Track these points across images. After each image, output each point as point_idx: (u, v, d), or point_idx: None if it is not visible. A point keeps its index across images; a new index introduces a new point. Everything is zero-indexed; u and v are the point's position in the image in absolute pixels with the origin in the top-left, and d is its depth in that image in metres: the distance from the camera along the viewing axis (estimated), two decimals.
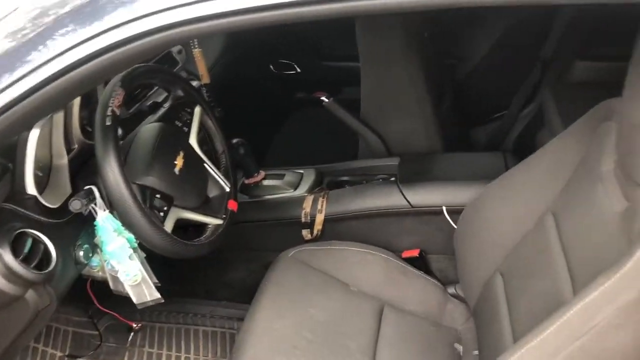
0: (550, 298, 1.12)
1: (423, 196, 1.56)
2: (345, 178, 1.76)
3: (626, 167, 1.00)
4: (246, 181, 1.71)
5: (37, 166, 1.12)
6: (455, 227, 1.49)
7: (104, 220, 1.19)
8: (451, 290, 1.55)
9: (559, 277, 1.11)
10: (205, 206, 1.39)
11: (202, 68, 1.79)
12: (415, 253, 1.59)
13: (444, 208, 1.53)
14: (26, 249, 1.08)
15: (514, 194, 1.35)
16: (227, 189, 1.45)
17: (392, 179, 1.66)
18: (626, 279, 0.85)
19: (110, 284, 1.30)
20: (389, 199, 1.58)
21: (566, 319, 0.88)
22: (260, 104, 2.29)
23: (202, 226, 1.39)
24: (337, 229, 1.61)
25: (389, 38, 1.61)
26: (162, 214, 1.23)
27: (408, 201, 1.56)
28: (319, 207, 1.61)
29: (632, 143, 0.96)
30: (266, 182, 1.69)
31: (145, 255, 1.29)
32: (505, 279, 1.32)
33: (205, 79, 1.80)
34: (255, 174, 1.69)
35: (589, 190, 1.11)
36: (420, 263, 1.59)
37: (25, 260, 1.06)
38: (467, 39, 2.14)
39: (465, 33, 2.13)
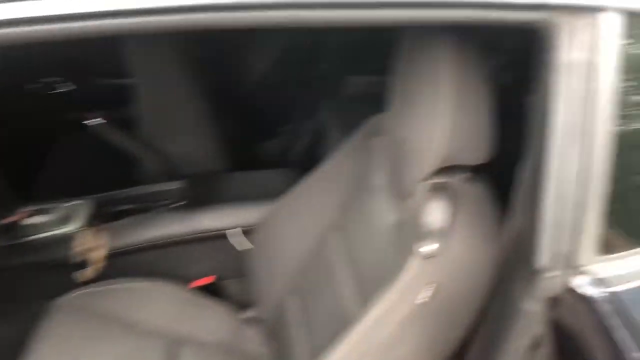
0: (341, 316, 1.13)
1: (213, 220, 1.49)
2: (126, 207, 1.61)
3: (394, 180, 1.05)
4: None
5: None
6: (249, 248, 1.44)
7: None
8: (249, 314, 1.50)
9: (348, 294, 1.12)
10: None
11: None
12: (208, 280, 1.51)
13: (236, 230, 1.48)
14: None
15: (299, 211, 1.35)
16: None
17: (178, 203, 1.56)
18: (401, 293, 0.88)
19: None
20: (176, 226, 1.48)
21: (355, 338, 0.88)
22: (18, 129, 2.00)
23: None
24: (120, 265, 1.47)
25: (162, 55, 1.52)
26: None
27: (197, 227, 1.47)
28: (97, 242, 1.45)
29: (398, 157, 1.01)
30: (30, 221, 1.47)
31: None
32: (298, 298, 1.31)
33: None
34: (14, 213, 1.46)
35: (365, 205, 1.15)
36: (214, 290, 1.52)
37: None
38: (244, 58, 2.13)
39: (242, 53, 2.12)
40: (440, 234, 0.87)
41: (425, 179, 0.95)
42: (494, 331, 0.78)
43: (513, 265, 0.76)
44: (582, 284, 0.69)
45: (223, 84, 1.94)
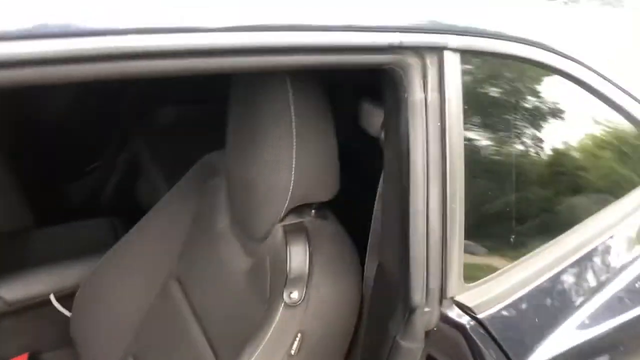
0: None
1: (22, 288, 1.28)
2: None
3: (243, 224, 0.99)
4: None
5: None
6: (69, 315, 1.26)
7: None
8: None
9: (198, 348, 1.04)
10: None
11: None
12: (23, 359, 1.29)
13: (52, 296, 1.29)
14: None
15: (131, 265, 1.22)
16: None
17: None
18: (272, 343, 0.83)
19: None
20: None
21: None
22: None
23: None
24: None
25: None
26: None
27: (3, 298, 1.25)
28: None
29: (245, 201, 0.96)
30: None
31: None
32: None
33: None
34: None
35: (210, 251, 1.08)
36: None
37: None
38: (40, 94, 1.90)
39: (36, 89, 1.89)
40: (302, 280, 0.84)
41: (279, 221, 0.91)
42: None
43: (387, 302, 0.76)
44: (453, 315, 0.71)
45: (17, 125, 1.69)
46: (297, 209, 0.93)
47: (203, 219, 1.13)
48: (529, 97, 0.78)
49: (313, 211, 0.95)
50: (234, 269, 1.02)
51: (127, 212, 1.71)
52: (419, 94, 0.67)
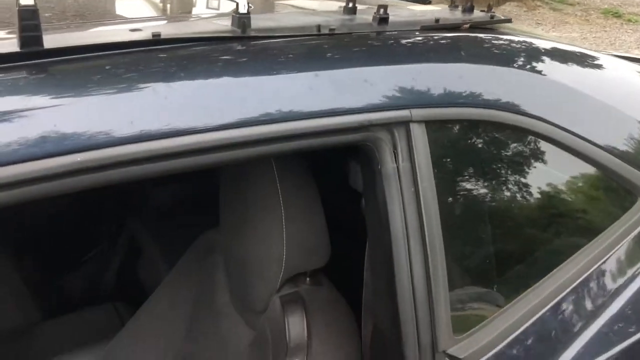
0: None
1: None
2: None
3: (242, 298, 1.03)
4: None
5: None
6: None
7: None
8: None
9: None
10: None
11: None
12: None
13: None
14: None
15: (140, 348, 1.24)
16: None
17: None
18: None
19: None
20: None
21: None
22: None
23: None
24: None
25: None
26: None
27: None
28: None
29: (241, 275, 1.00)
30: None
31: None
32: None
33: None
34: None
35: (214, 327, 1.11)
36: None
37: None
38: None
39: None
40: (302, 349, 0.87)
41: (277, 292, 0.95)
42: None
43: (384, 358, 0.80)
44: None
45: (18, 222, 1.74)
46: (293, 278, 0.97)
47: (205, 297, 1.16)
48: (493, 154, 0.84)
49: (308, 279, 0.99)
50: (237, 343, 1.05)
51: (129, 294, 1.73)
52: (390, 165, 0.74)
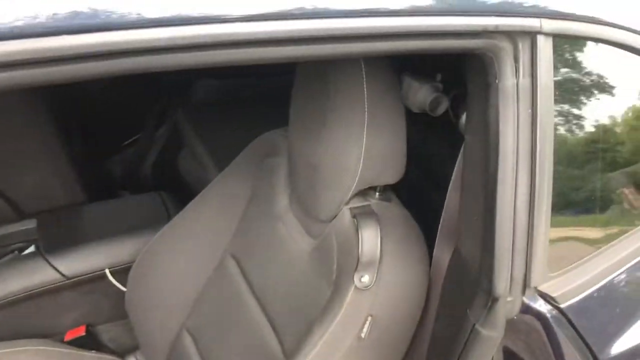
0: (255, 351, 1.05)
1: (79, 263, 1.30)
2: None
3: (306, 205, 0.99)
4: None
5: None
6: (124, 289, 1.28)
7: None
8: (132, 359, 1.35)
9: (259, 327, 1.05)
10: None
11: None
12: (80, 331, 1.32)
13: (107, 271, 1.31)
14: None
15: (186, 242, 1.23)
16: None
17: (32, 247, 1.34)
18: (342, 325, 0.84)
19: None
20: (35, 275, 1.26)
21: None
22: None
23: None
24: None
25: None
26: None
27: (61, 272, 1.27)
28: None
29: (310, 182, 0.95)
30: None
31: None
32: (195, 336, 1.20)
33: None
34: None
35: (270, 231, 1.08)
36: (88, 340, 1.33)
37: None
38: None
39: None
40: (373, 264, 0.84)
41: (345, 203, 0.91)
42: (449, 355, 0.77)
43: (465, 290, 0.75)
44: (536, 305, 0.70)
45: (62, 100, 1.70)
46: (362, 192, 0.92)
47: (261, 198, 1.12)
48: (621, 83, 0.75)
49: (377, 194, 0.94)
50: (294, 249, 1.02)
51: (168, 185, 1.72)
52: (510, 80, 0.65)
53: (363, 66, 0.82)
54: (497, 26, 0.63)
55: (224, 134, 1.74)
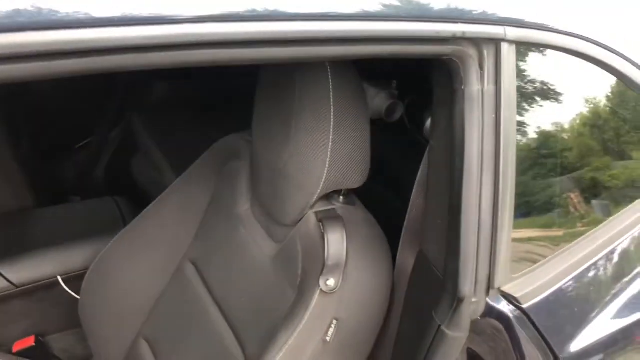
0: (216, 357, 1.03)
1: (28, 270, 1.26)
2: None
3: (269, 209, 0.98)
4: None
5: None
6: (77, 297, 1.24)
7: None
8: None
9: (219, 333, 1.03)
10: None
11: None
12: (30, 342, 1.27)
13: (60, 278, 1.26)
14: None
15: (143, 248, 1.20)
16: None
17: None
18: (307, 330, 0.83)
19: None
20: None
21: None
22: None
23: None
24: None
25: None
26: None
27: (9, 281, 1.22)
28: None
29: (274, 186, 0.94)
30: None
31: None
32: (152, 343, 1.17)
33: None
34: None
35: (230, 235, 1.06)
36: (38, 351, 1.28)
37: None
38: None
39: None
40: (339, 267, 0.84)
41: (311, 207, 0.91)
42: (415, 356, 0.78)
43: (430, 291, 0.77)
44: (499, 305, 0.72)
45: (13, 98, 1.63)
46: (327, 196, 0.92)
47: (221, 202, 1.11)
48: (579, 89, 0.78)
49: (341, 197, 0.94)
50: (257, 253, 1.01)
51: (121, 190, 1.68)
52: (476, 85, 0.67)
53: (329, 70, 0.82)
54: (464, 33, 0.64)
55: (179, 137, 1.71)
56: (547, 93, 0.77)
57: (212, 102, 1.87)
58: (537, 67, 0.75)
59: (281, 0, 0.57)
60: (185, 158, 1.20)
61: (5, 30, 0.44)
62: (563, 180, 0.80)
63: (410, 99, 1.38)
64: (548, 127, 0.78)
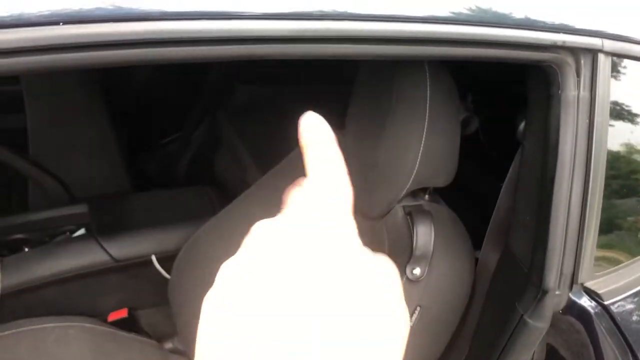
0: None
1: (128, 247, 1.37)
2: (20, 236, 1.40)
3: (357, 203, 1.04)
4: None
5: None
6: (167, 277, 1.34)
7: None
8: (169, 345, 1.40)
9: None
10: None
11: None
12: (123, 314, 1.38)
13: (154, 257, 1.37)
14: None
15: (232, 236, 1.27)
16: None
17: (82, 230, 1.40)
18: None
19: None
20: (88, 255, 1.33)
21: None
22: None
23: None
24: (22, 304, 1.28)
25: None
26: None
27: (111, 255, 1.34)
28: None
29: (364, 181, 1.01)
30: None
31: None
32: None
33: None
34: None
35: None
36: (129, 323, 1.39)
37: None
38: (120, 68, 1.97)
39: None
40: (425, 258, 0.89)
41: (398, 202, 0.97)
42: (495, 344, 0.82)
43: (514, 284, 0.81)
44: (581, 300, 0.76)
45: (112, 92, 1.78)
46: (413, 192, 0.98)
47: None
48: None
49: (427, 195, 1.00)
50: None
51: (202, 184, 1.79)
52: (572, 91, 0.72)
53: (427, 72, 0.89)
54: (564, 42, 0.70)
55: (263, 136, 1.81)
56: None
57: (294, 107, 1.95)
58: (632, 83, 0.79)
59: (398, 3, 0.63)
60: (268, 155, 1.28)
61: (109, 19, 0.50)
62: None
63: (485, 114, 1.42)
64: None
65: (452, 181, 0.98)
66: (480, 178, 1.52)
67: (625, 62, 0.77)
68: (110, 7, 0.50)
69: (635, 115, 0.82)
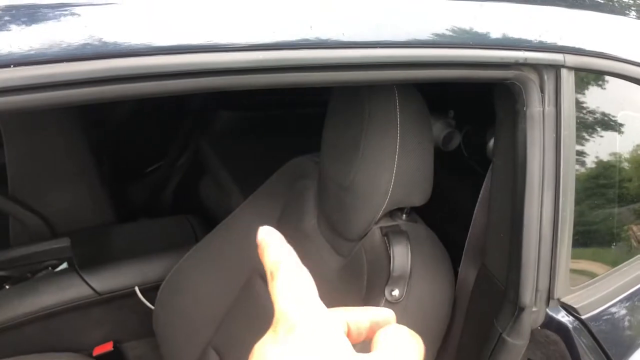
0: None
1: (110, 280, 1.36)
2: (2, 273, 1.39)
3: (335, 225, 1.04)
4: None
5: None
6: (152, 307, 1.33)
7: None
8: None
9: None
10: None
11: None
12: (108, 347, 1.37)
13: (137, 289, 1.36)
14: None
15: (215, 261, 1.28)
16: None
17: (64, 264, 1.39)
18: None
19: None
20: (69, 290, 1.32)
21: None
22: None
23: None
24: (6, 342, 1.26)
25: None
26: None
27: (93, 288, 1.33)
28: None
29: (340, 203, 1.01)
30: None
31: None
32: (221, 353, 1.24)
33: None
34: None
35: (298, 249, 1.12)
36: (115, 356, 1.37)
37: None
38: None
39: None
40: (403, 278, 0.89)
41: (375, 223, 0.97)
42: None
43: (492, 302, 0.81)
44: (558, 315, 0.76)
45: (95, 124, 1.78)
46: (390, 213, 0.98)
47: (290, 218, 1.18)
48: (632, 115, 0.82)
49: (404, 215, 1.00)
50: (323, 267, 1.07)
51: (188, 212, 1.78)
52: (537, 107, 0.73)
53: (397, 94, 0.89)
54: (526, 59, 0.70)
55: (246, 162, 1.81)
56: (607, 122, 0.82)
57: (275, 131, 1.97)
58: (597, 96, 0.80)
59: (369, 31, 0.64)
60: (253, 181, 1.28)
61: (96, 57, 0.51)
62: (622, 211, 0.83)
63: (467, 129, 1.43)
64: (607, 156, 0.82)
65: (436, 196, 0.98)
66: (464, 193, 1.52)
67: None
68: (83, 44, 0.51)
69: (621, 125, 0.83)
